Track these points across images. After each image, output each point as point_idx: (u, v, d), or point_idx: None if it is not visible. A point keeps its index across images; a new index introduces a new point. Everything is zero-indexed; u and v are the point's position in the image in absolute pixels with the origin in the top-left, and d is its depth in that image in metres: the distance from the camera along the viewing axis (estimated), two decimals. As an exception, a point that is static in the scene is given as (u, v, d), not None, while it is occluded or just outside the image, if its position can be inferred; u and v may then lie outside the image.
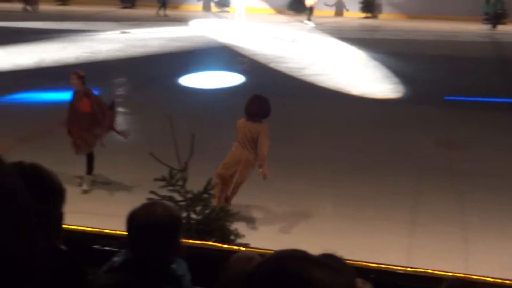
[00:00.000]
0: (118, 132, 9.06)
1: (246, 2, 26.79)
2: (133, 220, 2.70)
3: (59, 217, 2.34)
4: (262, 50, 19.85)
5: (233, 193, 7.96)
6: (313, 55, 19.44)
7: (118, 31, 23.25)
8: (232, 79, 16.05)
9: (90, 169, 8.87)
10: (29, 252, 0.73)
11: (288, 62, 17.91)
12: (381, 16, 28.38)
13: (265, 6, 30.06)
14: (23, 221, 0.74)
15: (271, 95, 8.70)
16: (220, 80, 16.02)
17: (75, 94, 8.81)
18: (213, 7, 29.34)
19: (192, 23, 26.35)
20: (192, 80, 15.87)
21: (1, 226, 0.68)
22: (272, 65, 17.61)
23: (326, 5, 28.03)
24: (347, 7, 28.58)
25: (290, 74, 16.46)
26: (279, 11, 29.27)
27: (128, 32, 23.06)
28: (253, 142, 7.78)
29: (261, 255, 3.88)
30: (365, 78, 16.23)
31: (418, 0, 27.72)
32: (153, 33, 23.22)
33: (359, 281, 2.66)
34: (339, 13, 28.75)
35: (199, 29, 24.99)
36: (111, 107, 9.07)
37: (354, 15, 28.26)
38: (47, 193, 2.15)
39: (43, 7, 29.15)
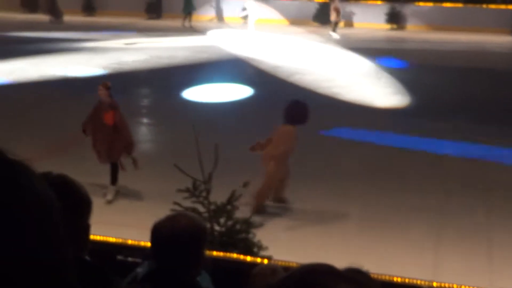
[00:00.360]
0: (134, 160, 8.95)
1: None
2: (157, 231, 2.71)
3: (86, 229, 2.36)
4: (282, 62, 19.84)
5: (266, 188, 8.42)
6: (333, 67, 19.41)
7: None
8: (253, 92, 16.10)
9: (114, 179, 8.91)
10: (61, 262, 0.74)
11: (310, 74, 17.93)
12: (408, 27, 28.25)
13: (279, 17, 30.19)
14: (56, 231, 0.76)
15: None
16: (242, 93, 16.07)
17: (100, 104, 8.83)
18: (239, 19, 29.45)
19: (209, 33, 26.57)
20: (216, 92, 15.98)
21: (37, 236, 0.69)
22: (296, 77, 17.62)
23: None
24: (373, 18, 28.51)
25: (311, 87, 16.43)
26: (295, 22, 29.27)
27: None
28: (278, 142, 8.28)
29: (284, 268, 3.89)
30: (386, 90, 16.17)
31: (444, 12, 27.64)
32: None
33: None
34: (364, 24, 28.66)
35: (216, 40, 25.15)
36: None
37: (379, 26, 28.20)
38: (75, 205, 2.17)
39: (71, 18, 29.57)
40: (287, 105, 8.58)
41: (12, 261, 0.65)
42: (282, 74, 17.94)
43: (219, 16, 31.18)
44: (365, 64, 19.85)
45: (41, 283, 0.69)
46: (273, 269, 3.76)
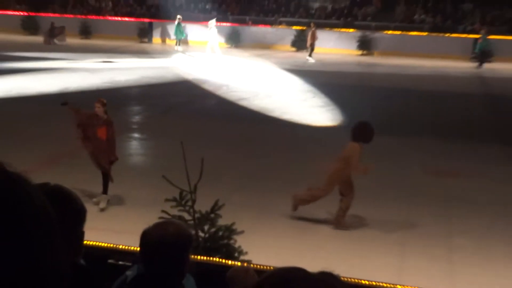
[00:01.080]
0: (110, 172, 8.94)
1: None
2: (146, 237, 2.70)
3: (80, 235, 2.34)
4: (249, 86, 19.81)
5: (311, 197, 8.65)
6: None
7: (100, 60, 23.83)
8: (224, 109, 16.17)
9: (106, 189, 8.89)
10: (55, 268, 0.74)
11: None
12: (377, 53, 28.49)
13: (262, 42, 30.37)
14: (51, 239, 0.76)
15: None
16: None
17: (95, 119, 8.67)
18: (223, 44, 29.43)
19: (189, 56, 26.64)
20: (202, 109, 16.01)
21: (33, 244, 0.69)
22: (264, 101, 17.70)
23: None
24: (346, 45, 28.72)
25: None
26: (276, 47, 29.47)
27: (111, 61, 23.76)
28: (342, 158, 8.38)
29: (258, 270, 3.89)
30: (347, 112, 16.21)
31: (410, 40, 28.01)
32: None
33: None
34: (337, 50, 28.80)
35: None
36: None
37: (351, 52, 28.43)
38: (70, 214, 2.15)
39: (68, 40, 29.58)
40: (355, 126, 8.60)
41: (11, 268, 0.65)
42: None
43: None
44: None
45: None
46: (245, 270, 3.76)
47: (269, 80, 21.24)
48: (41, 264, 0.68)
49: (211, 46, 26.35)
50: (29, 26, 32.71)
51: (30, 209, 0.72)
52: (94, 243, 4.86)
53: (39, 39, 30.18)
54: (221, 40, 29.74)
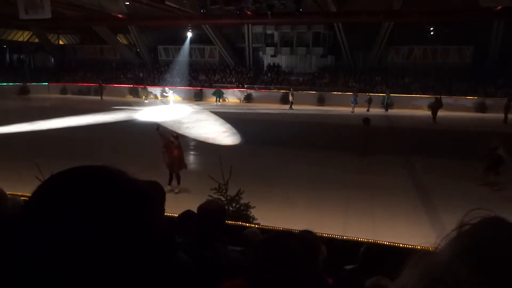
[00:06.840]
0: (185, 167, 9.11)
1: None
2: (200, 209, 2.67)
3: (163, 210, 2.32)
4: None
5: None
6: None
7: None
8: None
9: (178, 182, 8.90)
10: (161, 222, 0.70)
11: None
12: (328, 104, 28.31)
13: (266, 99, 30.04)
14: (160, 209, 0.73)
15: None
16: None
17: (172, 144, 8.81)
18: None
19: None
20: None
21: (156, 212, 0.65)
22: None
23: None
24: (308, 100, 28.46)
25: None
26: (269, 102, 29.29)
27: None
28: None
29: (262, 229, 3.81)
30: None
31: (345, 96, 27.84)
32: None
33: (321, 244, 2.62)
34: (302, 104, 28.64)
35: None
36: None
37: (311, 105, 28.05)
38: (162, 197, 2.14)
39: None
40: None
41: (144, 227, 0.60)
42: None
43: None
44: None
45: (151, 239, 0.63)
46: (253, 231, 3.71)
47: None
48: (157, 221, 0.63)
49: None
50: (132, 92, 32.94)
51: (154, 192, 0.67)
52: (169, 214, 4.80)
53: (138, 99, 30.33)
54: (241, 98, 29.78)
